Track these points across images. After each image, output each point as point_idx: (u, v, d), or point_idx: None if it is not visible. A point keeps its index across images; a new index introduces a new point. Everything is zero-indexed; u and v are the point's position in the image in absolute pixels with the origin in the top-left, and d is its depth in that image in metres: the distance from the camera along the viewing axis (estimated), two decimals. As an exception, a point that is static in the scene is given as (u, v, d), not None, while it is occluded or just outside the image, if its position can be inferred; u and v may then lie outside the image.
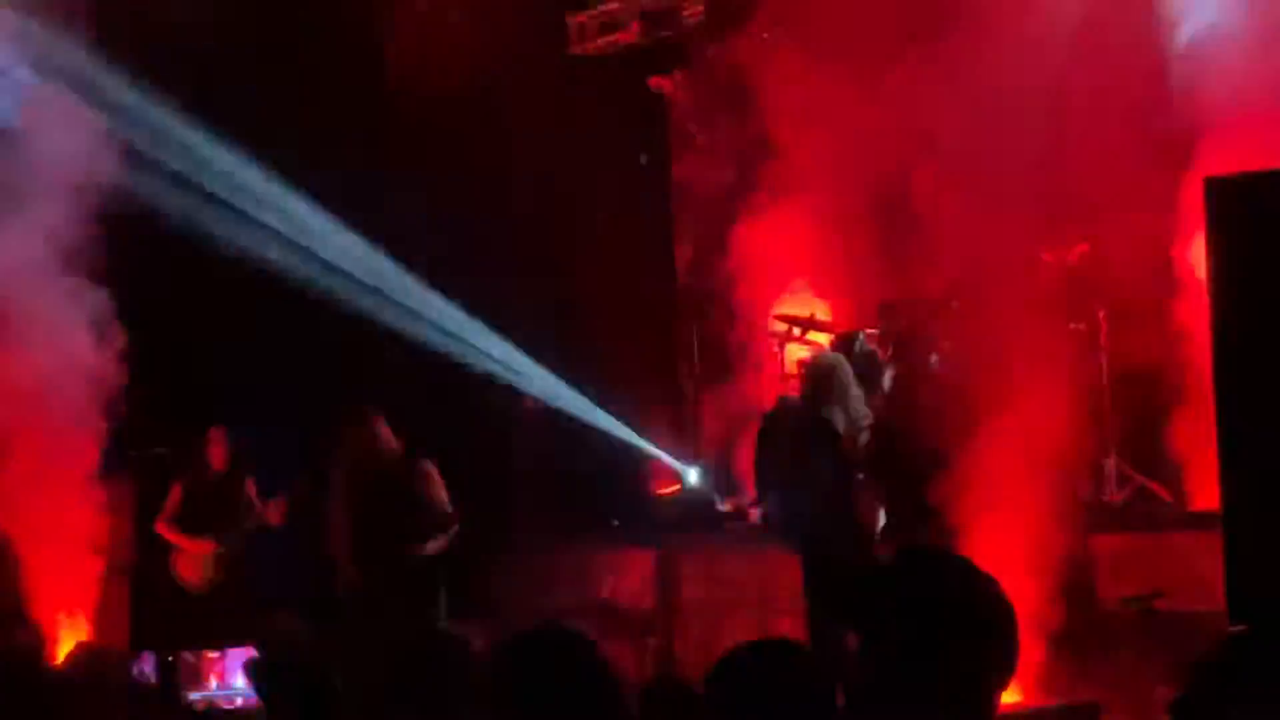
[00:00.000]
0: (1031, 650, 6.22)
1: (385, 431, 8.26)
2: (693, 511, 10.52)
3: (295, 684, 2.32)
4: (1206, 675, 2.22)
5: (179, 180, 9.29)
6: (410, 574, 8.03)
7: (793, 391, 8.61)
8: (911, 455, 7.80)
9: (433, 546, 8.12)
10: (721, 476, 10.73)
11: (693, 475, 10.85)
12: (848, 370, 7.66)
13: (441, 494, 8.21)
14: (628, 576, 9.59)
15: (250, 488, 9.28)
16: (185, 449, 9.40)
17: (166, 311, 9.67)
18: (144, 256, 9.24)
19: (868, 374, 8.19)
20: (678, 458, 10.97)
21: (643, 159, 11.59)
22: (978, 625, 2.22)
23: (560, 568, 10.21)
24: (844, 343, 8.95)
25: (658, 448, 10.94)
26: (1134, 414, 8.18)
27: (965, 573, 2.27)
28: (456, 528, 8.18)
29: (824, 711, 2.84)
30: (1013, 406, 7.17)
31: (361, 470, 8.21)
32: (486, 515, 8.92)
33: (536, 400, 11.34)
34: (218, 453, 9.27)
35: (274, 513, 9.10)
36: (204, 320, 10.19)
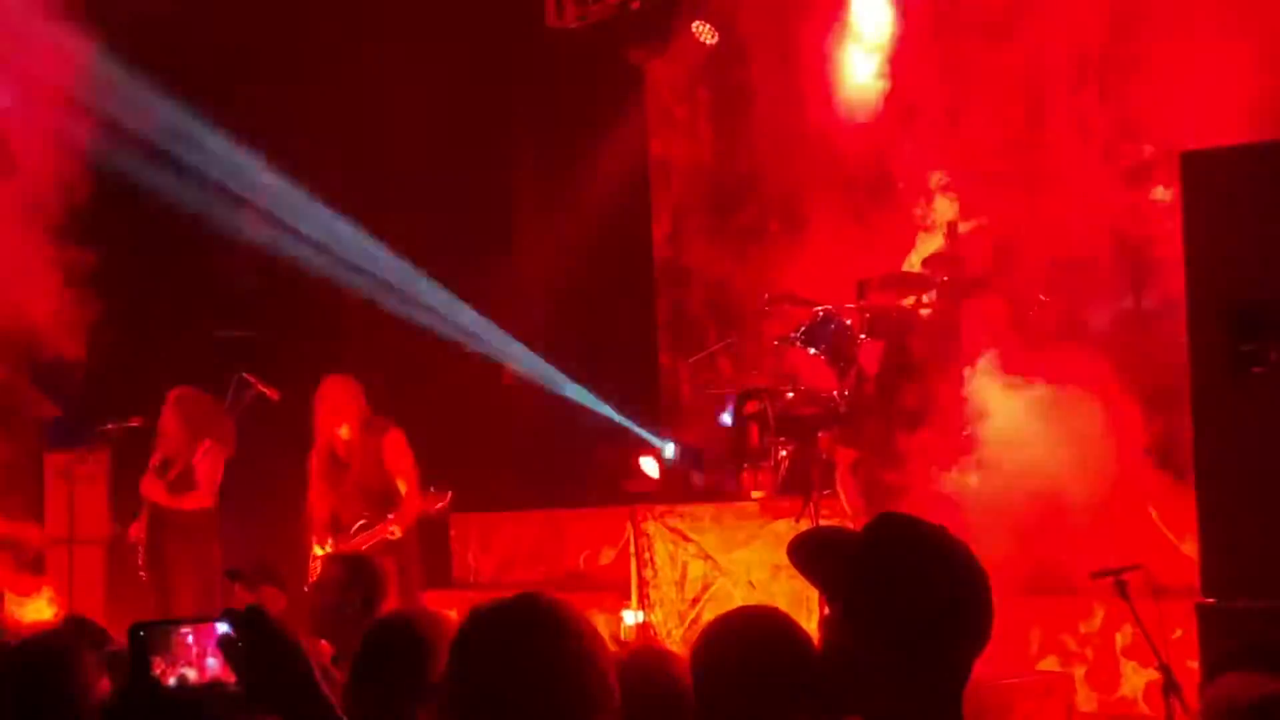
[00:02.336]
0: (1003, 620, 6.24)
1: (359, 400, 8.22)
2: (669, 486, 10.52)
3: (268, 658, 2.28)
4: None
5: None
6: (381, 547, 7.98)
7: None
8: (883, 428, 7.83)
9: (403, 519, 8.06)
10: (696, 452, 10.72)
11: (669, 450, 10.84)
12: None
13: (408, 462, 8.15)
14: (604, 547, 9.59)
15: (202, 452, 8.62)
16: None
17: (132, 280, 9.56)
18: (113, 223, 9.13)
19: (842, 351, 8.19)
20: (654, 432, 10.95)
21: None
22: (951, 593, 2.21)
23: (538, 538, 10.20)
24: (821, 320, 8.90)
25: (634, 421, 10.91)
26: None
27: (939, 540, 2.26)
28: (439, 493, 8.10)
29: (806, 680, 2.84)
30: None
31: (332, 439, 8.19)
32: (464, 484, 8.88)
33: (516, 371, 11.32)
34: (169, 420, 8.67)
35: (190, 498, 8.64)
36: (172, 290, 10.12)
